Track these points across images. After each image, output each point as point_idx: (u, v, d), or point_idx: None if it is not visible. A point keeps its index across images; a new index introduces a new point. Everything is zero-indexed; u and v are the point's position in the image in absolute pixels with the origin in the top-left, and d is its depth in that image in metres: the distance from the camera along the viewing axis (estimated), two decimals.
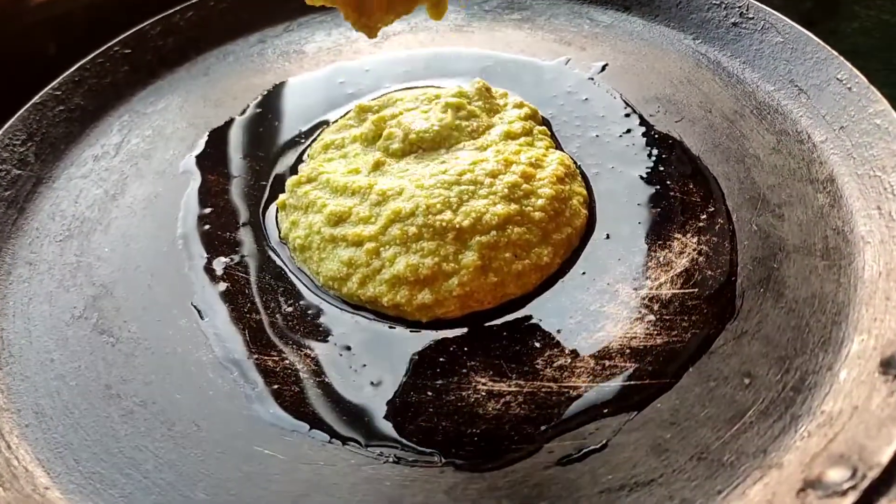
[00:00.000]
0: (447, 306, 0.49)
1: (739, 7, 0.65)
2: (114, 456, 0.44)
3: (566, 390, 0.45)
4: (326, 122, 0.63)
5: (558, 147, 0.59)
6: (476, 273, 0.49)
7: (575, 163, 0.57)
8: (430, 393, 0.45)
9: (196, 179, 0.60)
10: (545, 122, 0.61)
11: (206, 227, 0.56)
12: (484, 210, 0.51)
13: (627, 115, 0.61)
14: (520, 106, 0.61)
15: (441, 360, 0.47)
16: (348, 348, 0.48)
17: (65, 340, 0.50)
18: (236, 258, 0.54)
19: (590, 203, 0.55)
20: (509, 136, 0.58)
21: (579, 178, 0.56)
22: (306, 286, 0.52)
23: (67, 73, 0.66)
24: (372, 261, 0.50)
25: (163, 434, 0.45)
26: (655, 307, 0.48)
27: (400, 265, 0.49)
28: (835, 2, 0.84)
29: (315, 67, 0.69)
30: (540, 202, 0.52)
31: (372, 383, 0.46)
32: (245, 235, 0.55)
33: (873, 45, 0.78)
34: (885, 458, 0.37)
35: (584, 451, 0.42)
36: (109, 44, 0.69)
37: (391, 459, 0.43)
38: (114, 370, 0.48)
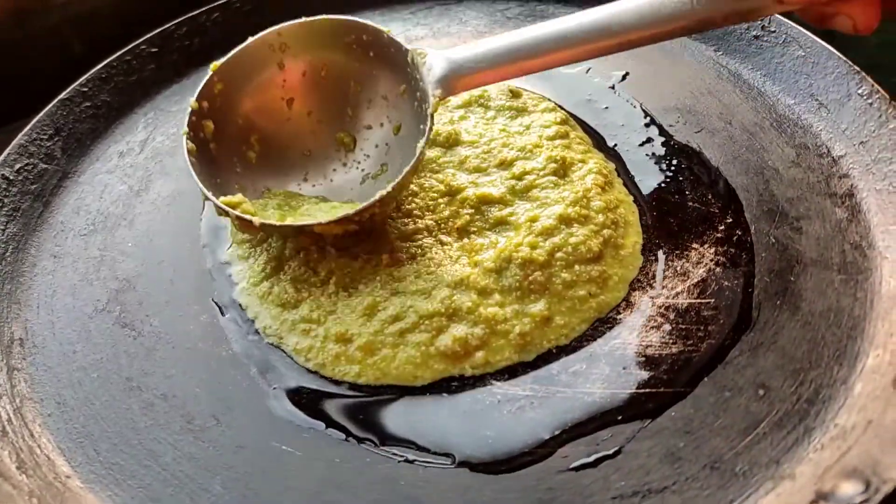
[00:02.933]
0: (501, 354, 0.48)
1: (761, 20, 0.65)
2: (133, 447, 0.45)
3: (581, 396, 0.45)
4: None
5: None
6: (541, 322, 0.48)
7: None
8: (445, 395, 0.46)
9: None
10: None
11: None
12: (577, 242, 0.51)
13: (647, 125, 0.61)
14: (553, 110, 0.62)
15: None
16: None
17: (87, 333, 0.51)
18: None
19: None
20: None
21: (619, 183, 0.57)
22: None
23: (94, 70, 0.67)
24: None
25: (182, 427, 0.46)
26: (671, 316, 0.48)
27: (447, 340, 0.47)
28: None
29: None
30: (601, 218, 0.52)
31: None
32: None
33: (894, 59, 0.78)
34: None
35: (598, 456, 0.42)
36: (136, 42, 0.70)
37: (406, 459, 0.43)
38: (135, 363, 0.49)
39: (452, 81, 0.51)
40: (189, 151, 0.52)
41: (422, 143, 0.50)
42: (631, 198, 0.56)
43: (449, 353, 0.47)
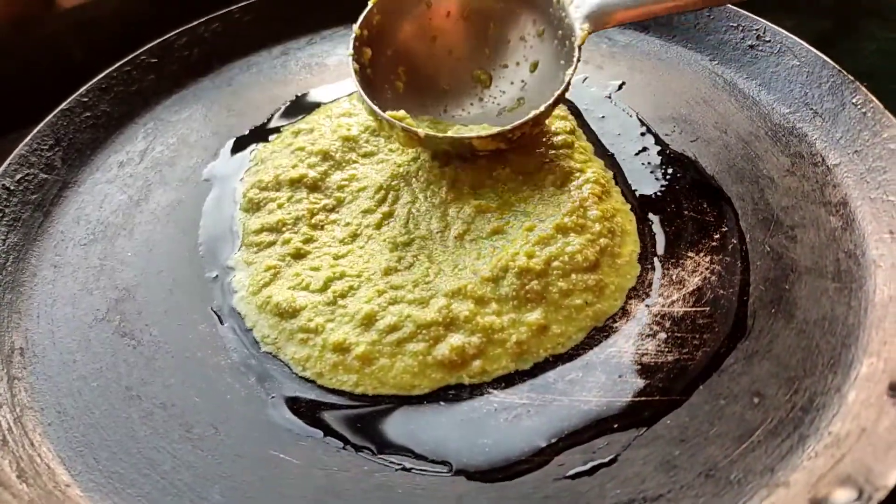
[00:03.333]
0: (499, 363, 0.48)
1: (756, 30, 0.65)
2: (133, 456, 0.45)
3: (577, 404, 0.45)
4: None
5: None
6: (538, 331, 0.49)
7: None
8: (442, 404, 0.46)
9: (218, 187, 0.61)
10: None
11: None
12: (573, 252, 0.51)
13: (644, 134, 0.62)
14: (563, 118, 0.62)
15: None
16: None
17: (87, 342, 0.51)
18: None
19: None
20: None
21: (616, 192, 0.57)
22: None
23: (95, 80, 0.68)
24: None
25: (181, 436, 0.46)
26: (667, 324, 0.49)
27: (444, 350, 0.48)
28: (853, 23, 0.85)
29: (336, 80, 0.71)
30: (597, 227, 0.53)
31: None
32: None
33: (891, 66, 0.78)
34: (891, 481, 0.37)
35: (594, 464, 0.43)
36: (136, 53, 0.70)
37: (403, 467, 0.44)
38: (134, 372, 0.49)
39: (601, 16, 0.57)
40: (355, 71, 0.58)
41: (570, 71, 0.56)
42: (628, 206, 0.56)
43: (446, 363, 0.47)
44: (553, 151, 0.59)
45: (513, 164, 0.58)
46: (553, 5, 0.59)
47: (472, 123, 0.61)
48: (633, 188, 0.58)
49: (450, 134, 0.57)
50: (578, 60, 0.56)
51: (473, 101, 0.63)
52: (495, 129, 0.55)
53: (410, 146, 0.57)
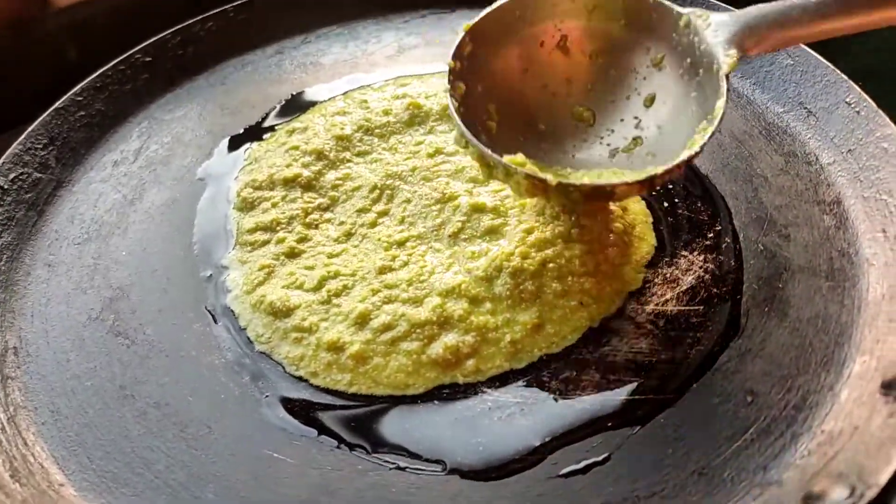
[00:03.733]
0: (493, 362, 0.48)
1: None
2: (126, 455, 0.45)
3: (571, 402, 0.45)
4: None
5: None
6: (532, 330, 0.49)
7: None
8: (436, 402, 0.46)
9: (213, 186, 0.61)
10: None
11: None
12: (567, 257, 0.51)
13: None
14: None
15: None
16: None
17: (81, 341, 0.51)
18: None
19: None
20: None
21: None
22: None
23: (89, 79, 0.68)
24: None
25: (175, 435, 0.46)
26: (661, 323, 0.49)
27: (438, 348, 0.48)
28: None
29: (331, 79, 0.71)
30: (612, 237, 0.52)
31: None
32: None
33: (888, 65, 0.79)
34: (883, 479, 0.37)
35: (587, 463, 0.43)
36: (130, 52, 0.70)
37: (397, 466, 0.44)
38: (128, 371, 0.49)
39: (748, 40, 0.48)
40: (456, 111, 0.50)
41: (721, 102, 0.47)
42: (644, 206, 0.56)
43: (440, 361, 0.47)
44: None
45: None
46: (678, 30, 0.51)
47: (580, 168, 0.54)
48: None
49: (586, 181, 0.49)
50: (728, 91, 0.48)
51: (577, 142, 0.55)
52: (642, 174, 0.47)
53: (532, 196, 0.50)
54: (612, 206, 0.54)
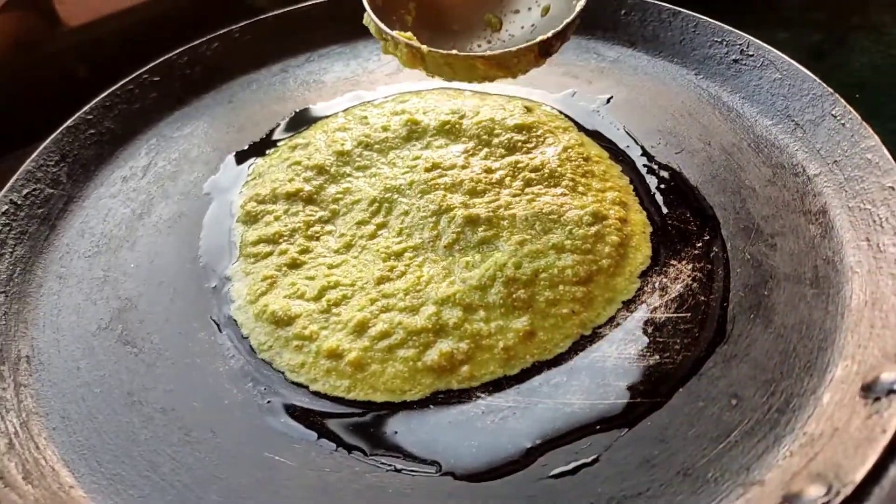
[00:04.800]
0: (487, 367, 0.50)
1: (740, 44, 0.67)
2: (133, 459, 0.47)
3: (561, 406, 0.47)
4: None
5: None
6: (524, 337, 0.50)
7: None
8: (432, 407, 0.48)
9: (218, 200, 0.63)
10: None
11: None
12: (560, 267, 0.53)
13: (630, 146, 0.63)
14: (567, 130, 0.65)
15: None
16: None
17: (91, 350, 0.53)
18: None
19: None
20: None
21: (635, 203, 0.59)
22: None
23: (99, 98, 0.70)
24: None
25: (180, 439, 0.48)
26: (649, 330, 0.50)
27: (433, 355, 0.50)
28: (845, 36, 0.87)
29: (333, 96, 0.73)
30: (607, 249, 0.54)
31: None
32: None
33: (881, 79, 0.80)
34: (858, 477, 0.39)
35: (577, 464, 0.44)
36: (139, 71, 0.72)
37: (394, 468, 0.45)
38: (136, 379, 0.51)
39: None
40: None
41: (581, 3, 0.56)
42: (644, 214, 0.58)
43: (435, 368, 0.49)
44: (573, 177, 0.60)
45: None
46: None
47: None
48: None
49: (454, 52, 0.56)
50: None
51: (482, 42, 0.63)
52: (498, 51, 0.55)
53: (413, 66, 0.57)
54: (610, 220, 0.56)
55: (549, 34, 0.55)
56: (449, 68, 0.56)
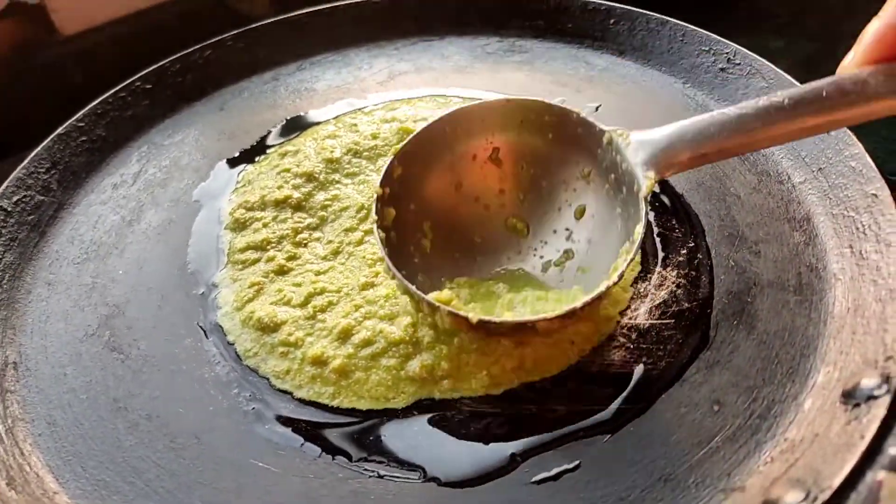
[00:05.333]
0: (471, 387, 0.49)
1: (727, 53, 0.68)
2: (118, 465, 0.47)
3: (545, 413, 0.47)
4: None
5: None
6: (512, 371, 0.49)
7: None
8: (415, 413, 0.48)
9: (207, 207, 0.64)
10: None
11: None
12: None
13: None
14: None
15: None
16: None
17: (78, 356, 0.53)
18: None
19: None
20: None
21: None
22: None
23: (91, 105, 0.70)
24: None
25: (165, 445, 0.48)
26: (633, 336, 0.51)
27: (415, 366, 0.49)
28: (839, 46, 0.87)
29: (324, 104, 0.73)
30: None
31: None
32: None
33: None
34: (836, 482, 0.39)
35: (559, 470, 0.44)
36: (131, 79, 0.73)
37: (377, 475, 0.45)
38: (122, 385, 0.51)
39: (665, 161, 0.48)
40: (381, 241, 0.50)
41: (640, 227, 0.47)
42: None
43: (417, 378, 0.49)
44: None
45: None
46: (602, 146, 0.51)
47: (517, 282, 0.53)
48: None
49: (507, 318, 0.48)
50: (647, 214, 0.47)
51: (511, 254, 0.55)
52: (563, 309, 0.45)
53: (461, 330, 0.49)
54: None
55: (615, 277, 0.46)
56: (507, 331, 0.48)
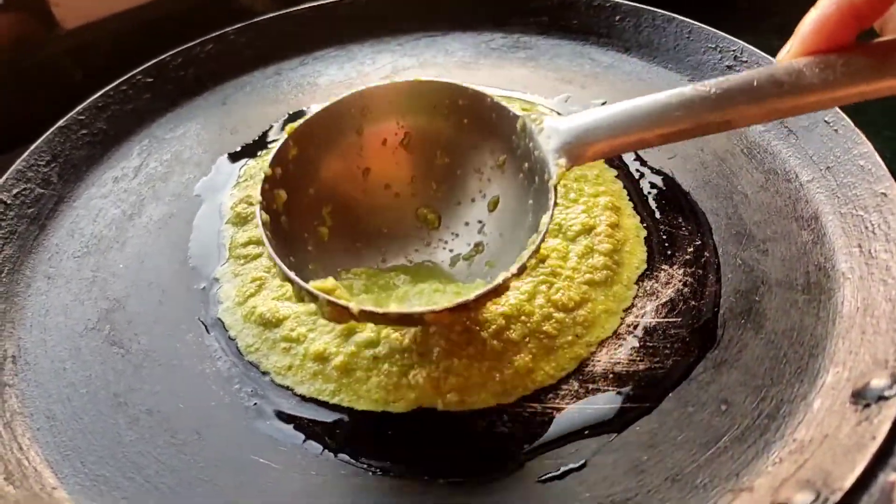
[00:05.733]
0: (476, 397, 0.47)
1: (734, 51, 0.67)
2: (118, 460, 0.46)
3: (549, 411, 0.46)
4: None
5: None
6: (523, 373, 0.48)
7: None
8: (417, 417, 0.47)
9: (209, 202, 0.63)
10: None
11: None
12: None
13: None
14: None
15: None
16: None
17: (78, 350, 0.53)
18: None
19: None
20: None
21: (628, 207, 0.58)
22: None
23: (92, 98, 0.70)
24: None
25: (165, 441, 0.47)
26: (640, 334, 0.50)
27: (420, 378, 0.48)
28: None
29: (326, 98, 0.72)
30: (602, 260, 0.53)
31: None
32: None
33: None
34: (847, 484, 0.38)
35: (565, 469, 0.44)
36: (132, 72, 0.72)
37: (380, 471, 0.45)
38: (122, 380, 0.51)
39: (578, 149, 0.45)
40: (264, 224, 0.46)
41: (546, 217, 0.45)
42: (638, 219, 0.57)
43: (419, 388, 0.48)
44: (564, 181, 0.57)
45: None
46: (516, 133, 0.48)
47: (421, 276, 0.51)
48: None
49: (393, 308, 0.45)
50: (555, 204, 0.45)
51: (419, 246, 0.52)
52: (453, 302, 0.43)
53: (342, 322, 0.46)
54: (600, 228, 0.55)
55: (514, 269, 0.43)
56: (392, 323, 0.47)
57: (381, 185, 0.53)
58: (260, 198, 0.47)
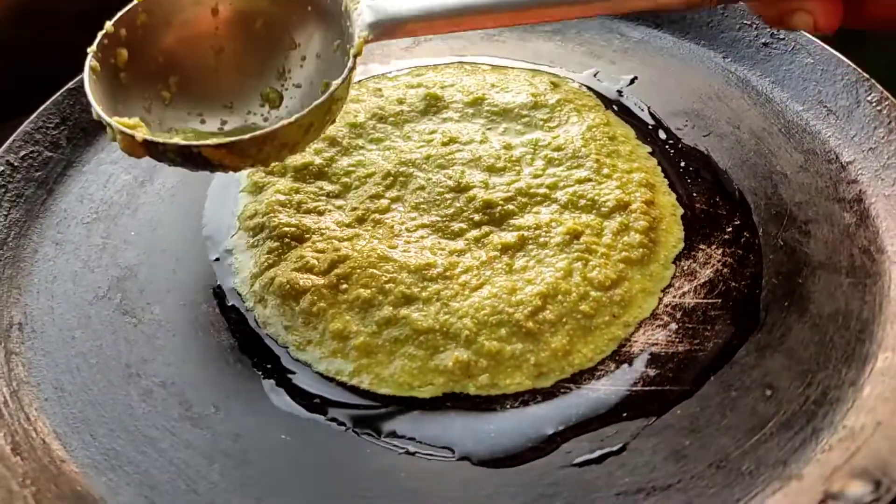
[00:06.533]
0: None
1: (770, 28, 0.65)
2: (130, 433, 0.44)
3: (585, 392, 0.44)
4: None
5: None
6: (561, 355, 0.46)
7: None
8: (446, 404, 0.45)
9: None
10: None
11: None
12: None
13: (655, 128, 0.61)
14: (595, 108, 0.62)
15: None
16: None
17: (87, 319, 0.50)
18: None
19: None
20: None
21: (663, 185, 0.57)
22: None
23: None
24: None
25: (180, 414, 0.45)
26: (678, 315, 0.48)
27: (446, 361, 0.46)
28: (862, 34, 0.84)
29: None
30: (638, 238, 0.51)
31: None
32: None
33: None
34: None
35: (602, 453, 0.42)
36: None
37: (406, 451, 0.43)
38: (134, 350, 0.49)
39: (385, 26, 0.48)
40: (92, 69, 0.48)
41: (336, 82, 0.46)
42: (674, 197, 0.56)
43: (448, 372, 0.45)
44: (597, 157, 0.57)
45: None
46: (343, 14, 0.50)
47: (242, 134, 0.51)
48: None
49: (175, 140, 0.46)
50: (352, 70, 0.47)
51: (258, 121, 0.54)
52: (228, 139, 0.45)
53: (134, 152, 0.46)
54: (635, 205, 0.53)
55: (293, 119, 0.46)
56: (172, 154, 0.46)
57: (231, 64, 0.54)
58: (95, 48, 0.49)
